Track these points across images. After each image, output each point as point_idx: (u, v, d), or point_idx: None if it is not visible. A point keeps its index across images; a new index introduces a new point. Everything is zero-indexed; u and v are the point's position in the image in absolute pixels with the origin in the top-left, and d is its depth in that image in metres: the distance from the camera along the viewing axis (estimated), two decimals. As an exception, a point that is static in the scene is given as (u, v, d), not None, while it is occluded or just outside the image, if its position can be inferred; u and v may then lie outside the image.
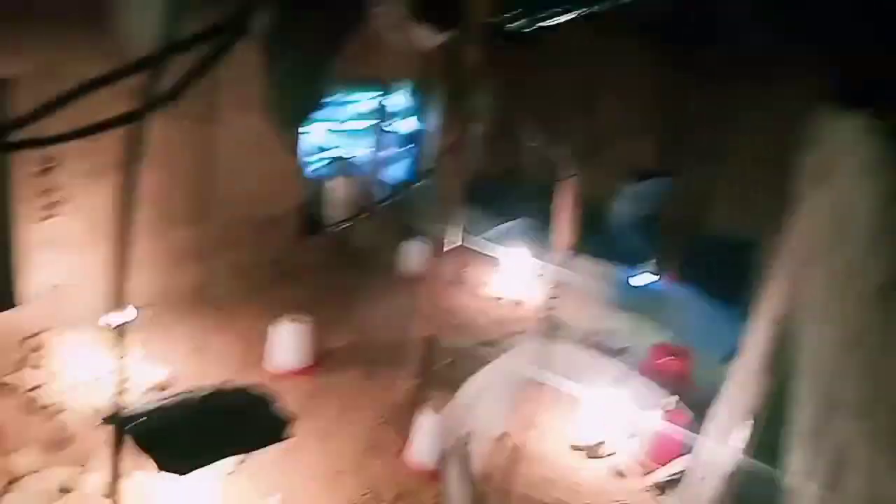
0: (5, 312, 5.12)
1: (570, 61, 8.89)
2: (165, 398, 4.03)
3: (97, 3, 4.97)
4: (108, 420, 4.04)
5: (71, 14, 4.83)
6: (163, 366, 5.43)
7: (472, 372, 6.11)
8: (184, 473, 3.64)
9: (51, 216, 5.10)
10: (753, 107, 7.69)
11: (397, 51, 6.75)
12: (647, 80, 9.22)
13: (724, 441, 4.29)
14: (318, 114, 7.09)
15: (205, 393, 4.05)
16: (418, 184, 10.58)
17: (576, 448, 5.56)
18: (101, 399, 4.88)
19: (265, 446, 4.02)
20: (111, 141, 5.62)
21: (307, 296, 7.35)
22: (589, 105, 8.99)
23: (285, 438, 4.05)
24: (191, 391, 4.11)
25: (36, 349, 5.19)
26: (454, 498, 4.71)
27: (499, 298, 8.07)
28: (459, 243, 5.74)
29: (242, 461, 4.63)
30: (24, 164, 4.83)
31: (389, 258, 8.56)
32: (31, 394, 4.78)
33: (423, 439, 5.09)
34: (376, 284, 7.90)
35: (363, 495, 4.75)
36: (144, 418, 3.73)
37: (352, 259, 8.44)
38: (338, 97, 8.80)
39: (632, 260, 8.86)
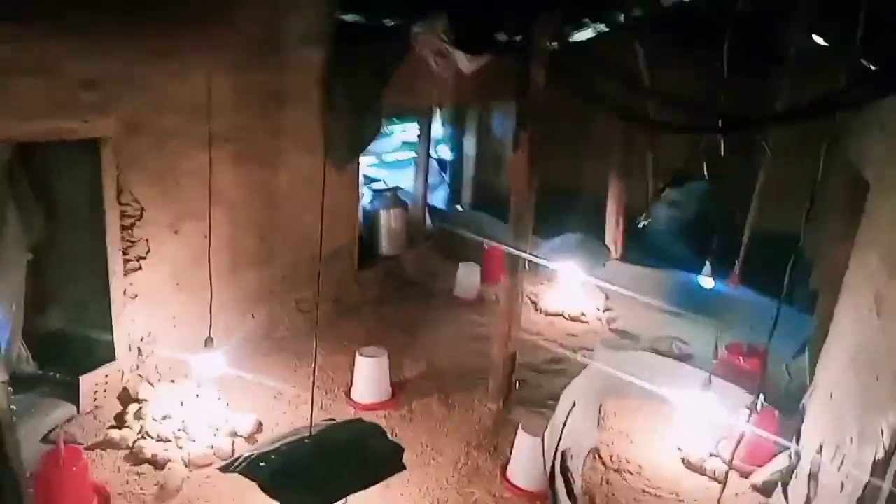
0: (104, 367, 5.12)
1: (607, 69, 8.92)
2: (278, 440, 3.99)
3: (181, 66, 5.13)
4: (226, 468, 4.01)
5: (148, 77, 5.01)
6: (250, 410, 5.41)
7: (551, 389, 6.06)
8: (313, 513, 3.59)
9: (138, 268, 5.13)
10: (795, 99, 7.66)
11: (439, 78, 6.84)
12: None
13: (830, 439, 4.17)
14: (370, 146, 7.15)
15: (316, 431, 4.02)
16: (464, 210, 10.68)
17: (671, 456, 5.46)
18: (197, 449, 4.85)
19: (386, 477, 3.98)
20: (187, 192, 5.72)
21: (371, 328, 7.37)
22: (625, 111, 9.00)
23: (403, 468, 4.01)
24: (300, 430, 4.07)
25: (134, 402, 5.18)
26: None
27: (559, 314, 8.03)
28: (525, 261, 5.74)
29: (346, 501, 4.56)
30: (114, 220, 4.88)
31: (444, 284, 8.57)
32: (134, 447, 4.75)
33: (522, 461, 5.02)
34: (435, 311, 7.92)
35: (472, 522, 4.68)
36: (263, 462, 3.70)
37: (408, 288, 8.45)
38: (385, 128, 8.92)
39: (682, 264, 8.84)
